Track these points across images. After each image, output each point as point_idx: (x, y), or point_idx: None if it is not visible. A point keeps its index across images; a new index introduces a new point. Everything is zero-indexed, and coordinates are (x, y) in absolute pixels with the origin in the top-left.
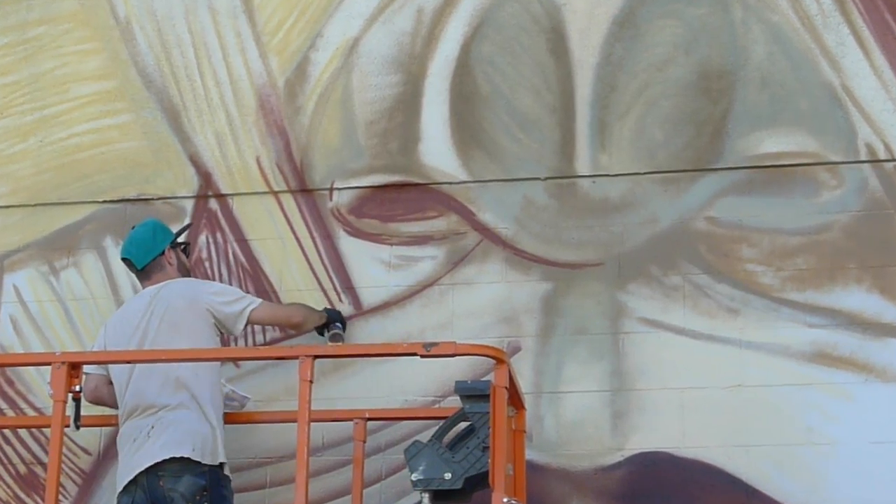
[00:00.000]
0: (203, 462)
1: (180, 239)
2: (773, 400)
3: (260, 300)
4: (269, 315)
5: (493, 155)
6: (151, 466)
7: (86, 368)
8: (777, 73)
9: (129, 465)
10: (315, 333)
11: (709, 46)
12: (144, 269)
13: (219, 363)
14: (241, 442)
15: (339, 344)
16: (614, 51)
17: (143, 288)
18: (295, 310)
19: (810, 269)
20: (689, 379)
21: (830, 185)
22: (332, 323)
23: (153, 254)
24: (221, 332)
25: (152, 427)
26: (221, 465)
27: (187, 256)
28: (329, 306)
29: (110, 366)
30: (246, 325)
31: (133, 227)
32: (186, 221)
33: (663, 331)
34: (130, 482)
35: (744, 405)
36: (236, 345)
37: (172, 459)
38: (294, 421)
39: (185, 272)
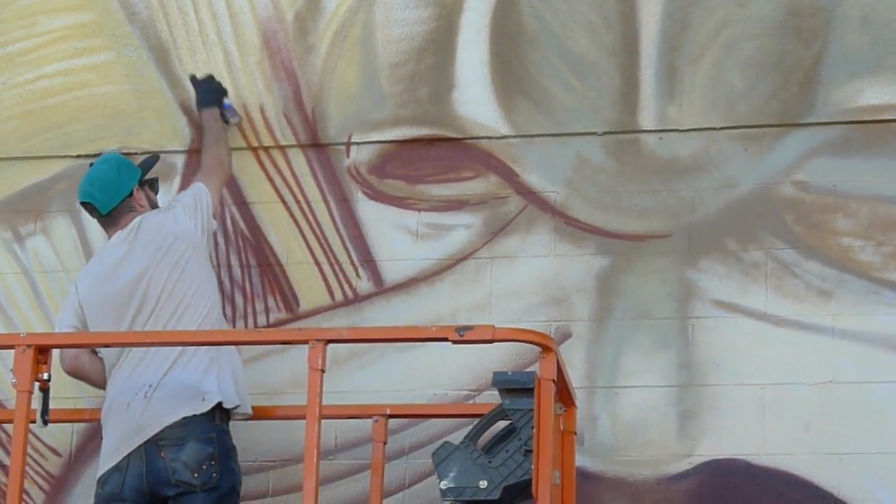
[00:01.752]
0: (227, 408)
1: (149, 175)
2: (872, 400)
3: (202, 185)
4: (218, 184)
5: (541, 105)
6: (150, 437)
7: (69, 329)
8: (882, 10)
9: (124, 436)
10: None
11: None
12: (110, 215)
13: (217, 293)
14: (239, 442)
15: (239, 118)
16: None
17: (109, 235)
18: (220, 156)
19: None
20: (772, 373)
21: None
22: (221, 107)
23: (120, 196)
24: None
25: (150, 386)
26: (227, 430)
27: (156, 193)
28: (195, 76)
29: (95, 318)
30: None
31: (91, 164)
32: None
33: (741, 316)
34: (122, 458)
35: (836, 405)
36: (235, 325)
37: (175, 424)
38: (302, 417)
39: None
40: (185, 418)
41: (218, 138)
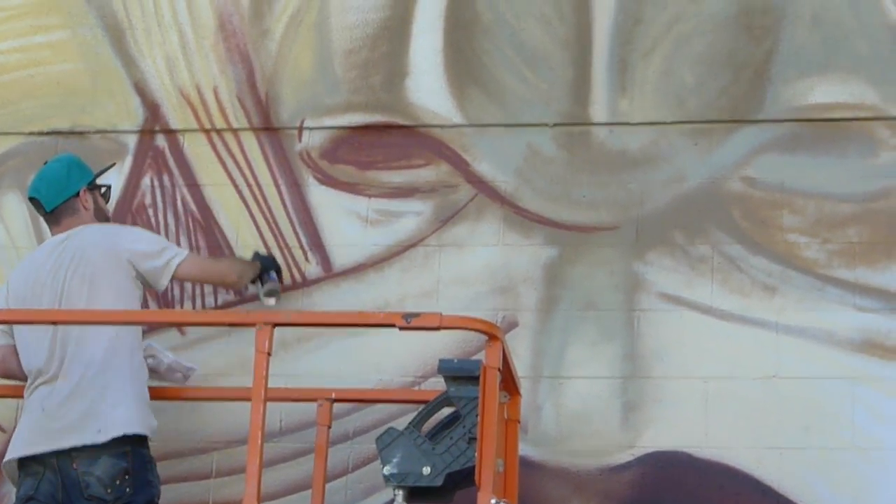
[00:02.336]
0: (127, 433)
1: (100, 180)
2: (814, 395)
3: (187, 252)
4: (198, 271)
5: (494, 95)
6: (67, 449)
7: None
8: (832, 10)
9: (34, 439)
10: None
11: None
12: (53, 213)
13: (135, 343)
14: (184, 423)
15: (275, 299)
16: None
17: (52, 234)
18: (228, 266)
19: (863, 243)
20: (716, 367)
21: (891, 143)
22: (265, 272)
23: (65, 194)
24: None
25: (66, 397)
26: (144, 440)
27: (107, 201)
28: (262, 252)
29: (15, 328)
30: (171, 281)
31: (45, 163)
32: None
33: (687, 309)
34: (36, 462)
35: (779, 400)
36: (182, 306)
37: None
38: (247, 399)
39: (103, 219)
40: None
41: (232, 264)
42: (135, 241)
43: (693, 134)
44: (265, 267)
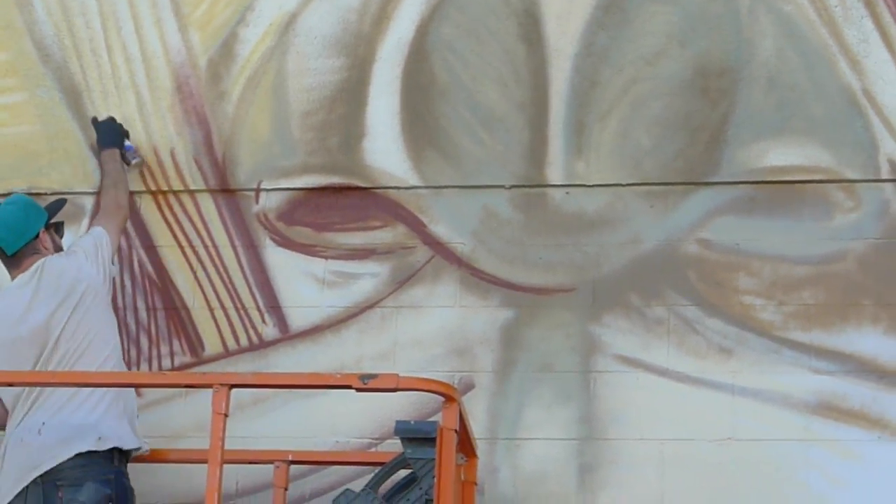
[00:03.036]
0: (118, 447)
1: (55, 218)
2: (770, 457)
3: (100, 228)
4: (116, 228)
5: (451, 157)
6: (48, 472)
7: None
8: (787, 73)
9: (21, 473)
10: None
11: (708, 38)
12: (15, 256)
13: (117, 339)
14: (141, 484)
15: (140, 160)
16: (597, 39)
17: (13, 277)
18: (122, 196)
19: (818, 305)
20: (672, 429)
21: (846, 206)
22: (122, 148)
23: (26, 238)
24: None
25: (43, 424)
26: (125, 471)
27: (61, 236)
28: (99, 117)
29: None
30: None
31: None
32: (62, 198)
33: (643, 371)
34: (18, 493)
35: (735, 462)
36: (139, 368)
37: (73, 464)
38: (204, 461)
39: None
40: (83, 458)
41: (117, 181)
42: (88, 256)
43: (649, 196)
44: (119, 142)
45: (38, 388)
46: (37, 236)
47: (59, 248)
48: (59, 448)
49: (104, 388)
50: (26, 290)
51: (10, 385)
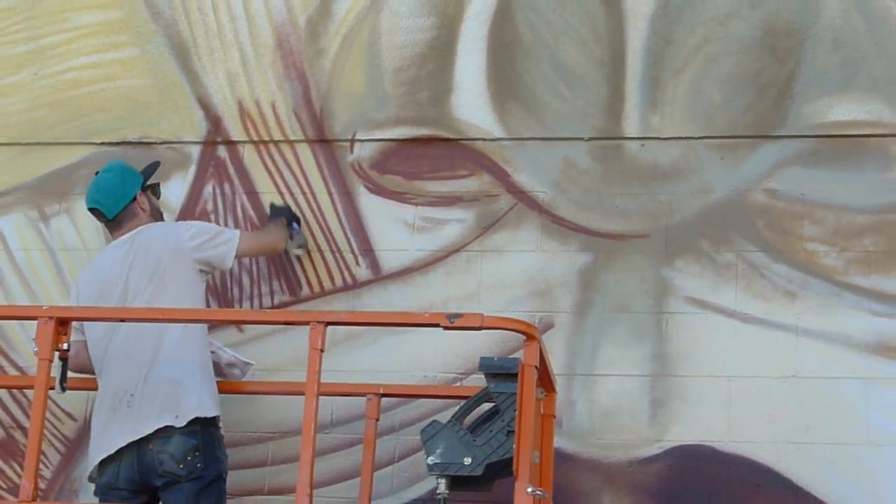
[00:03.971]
0: (199, 416)
1: (151, 180)
2: (831, 394)
3: (238, 232)
4: (253, 246)
5: (533, 111)
6: (145, 436)
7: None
8: (851, 33)
9: (110, 438)
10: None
11: (776, 0)
12: (115, 219)
13: (200, 340)
14: (242, 414)
15: (304, 250)
16: (671, 1)
17: (114, 238)
18: (275, 234)
19: (879, 252)
20: (739, 367)
21: None
22: (291, 228)
23: (124, 201)
24: (207, 273)
25: (132, 395)
26: (214, 420)
27: (158, 197)
28: (278, 203)
29: (87, 326)
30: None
31: (97, 173)
32: (156, 161)
33: (712, 312)
34: (110, 455)
35: (798, 398)
36: (241, 305)
37: (165, 426)
38: (301, 393)
39: (159, 216)
40: (166, 425)
41: (277, 232)
42: (193, 235)
43: (720, 149)
44: (289, 222)
45: (133, 359)
46: (134, 199)
47: (156, 209)
48: (146, 420)
49: (194, 368)
50: (118, 252)
51: (100, 320)
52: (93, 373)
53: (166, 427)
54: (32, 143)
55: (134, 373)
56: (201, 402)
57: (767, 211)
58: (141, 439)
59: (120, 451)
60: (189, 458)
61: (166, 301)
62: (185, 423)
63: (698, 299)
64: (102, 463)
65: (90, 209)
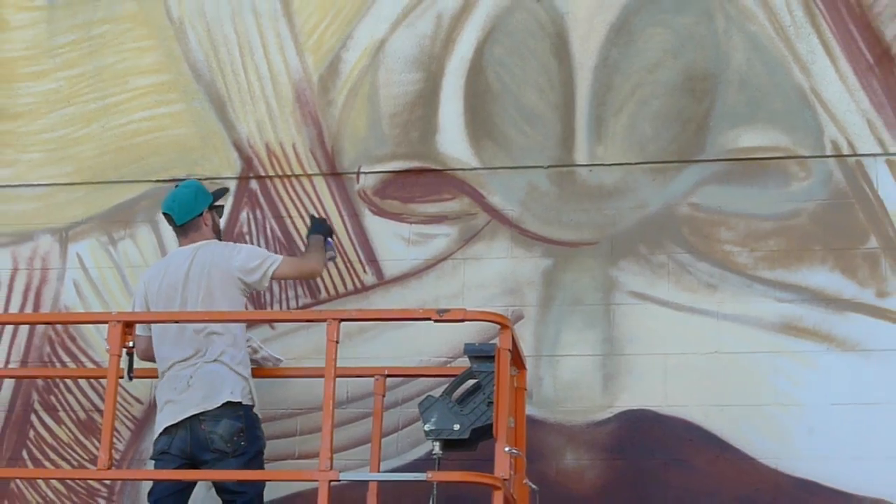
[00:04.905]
0: (242, 402)
1: (218, 202)
2: (746, 365)
3: (280, 258)
4: (292, 271)
5: (502, 145)
6: (197, 414)
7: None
8: (754, 77)
9: (171, 411)
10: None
11: (694, 52)
12: (182, 227)
13: (240, 341)
14: (275, 395)
15: (333, 260)
16: (610, 55)
17: (180, 243)
18: (314, 261)
19: (781, 251)
20: (672, 346)
21: (799, 176)
22: (325, 242)
23: (192, 214)
24: (248, 291)
25: (191, 377)
26: (252, 405)
27: (220, 216)
28: (316, 216)
29: (154, 325)
30: (271, 281)
31: (177, 185)
32: (226, 187)
33: (650, 303)
34: (171, 426)
35: (720, 370)
36: (272, 308)
37: (217, 407)
38: (321, 376)
39: (217, 233)
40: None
41: (316, 254)
42: (243, 261)
43: (652, 172)
44: (324, 236)
45: (196, 351)
46: (201, 214)
47: (216, 226)
48: (201, 401)
49: (238, 362)
50: (181, 258)
51: (159, 322)
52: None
53: (215, 408)
54: (102, 182)
55: (196, 364)
56: (242, 390)
57: (691, 220)
58: (194, 419)
59: (176, 425)
60: (235, 437)
61: (215, 295)
62: (229, 406)
63: (638, 292)
64: (160, 434)
65: (164, 213)
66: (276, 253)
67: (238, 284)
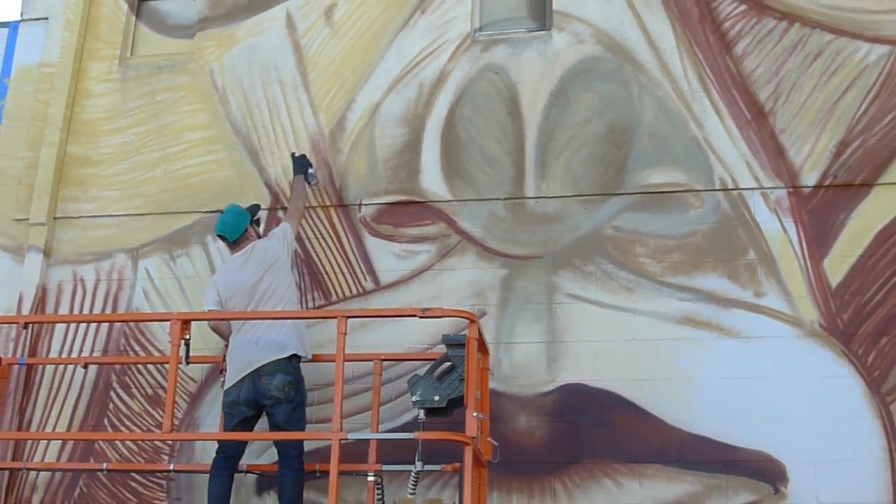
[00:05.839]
0: (299, 355)
1: (255, 217)
2: (657, 350)
3: (288, 225)
4: (297, 223)
5: (469, 183)
6: (255, 369)
7: (213, 307)
8: (660, 130)
9: (241, 366)
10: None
11: (615, 111)
12: (234, 241)
13: (293, 288)
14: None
15: (316, 183)
16: (551, 114)
17: (232, 253)
18: (301, 205)
19: (681, 262)
20: (600, 335)
21: (695, 205)
22: (307, 174)
23: (240, 231)
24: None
25: (256, 341)
26: (299, 364)
27: (259, 225)
28: (296, 153)
29: (229, 301)
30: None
31: (223, 211)
32: (258, 204)
33: (582, 302)
34: (239, 380)
35: (637, 353)
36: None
37: (269, 363)
38: (333, 360)
39: (260, 236)
40: (275, 360)
41: (300, 195)
42: (278, 241)
43: (584, 202)
44: (304, 170)
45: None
46: (246, 229)
47: (257, 233)
48: (265, 355)
49: (292, 324)
50: (241, 260)
51: (230, 319)
52: (223, 334)
53: (275, 362)
54: (163, 212)
55: (258, 329)
56: (294, 346)
57: (613, 239)
58: (256, 375)
59: (242, 380)
60: (286, 388)
61: (280, 281)
62: (284, 359)
63: (574, 294)
64: (230, 387)
65: (218, 234)
66: (301, 273)
67: (286, 257)
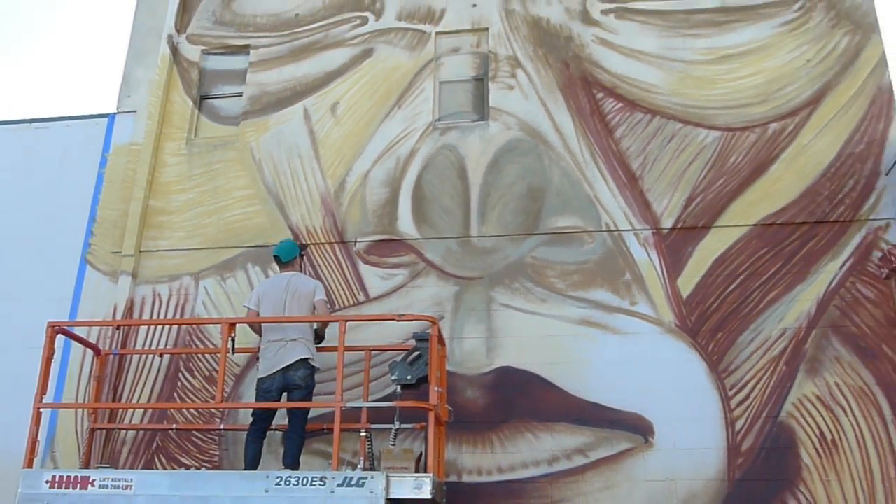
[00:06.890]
0: (312, 361)
1: (303, 252)
2: (563, 342)
3: (323, 299)
4: (322, 308)
5: (432, 226)
6: (287, 365)
7: (249, 304)
8: (564, 189)
9: (273, 363)
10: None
11: (533, 177)
12: (286, 263)
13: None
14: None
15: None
16: (488, 178)
17: (281, 271)
18: (324, 329)
19: (579, 282)
20: (524, 332)
21: (588, 242)
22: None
23: (291, 256)
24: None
25: (283, 346)
26: (315, 368)
27: (303, 259)
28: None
29: (263, 310)
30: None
31: (281, 241)
32: (306, 244)
33: (512, 310)
34: (272, 373)
35: (551, 344)
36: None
37: (298, 361)
38: (335, 351)
39: (301, 268)
40: (300, 360)
41: (324, 328)
42: (316, 291)
43: (510, 240)
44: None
45: (287, 332)
46: (295, 257)
47: (301, 266)
48: (290, 357)
49: (310, 339)
50: (283, 280)
51: (265, 322)
52: (259, 334)
53: (300, 360)
54: (216, 247)
55: (288, 333)
56: (312, 353)
57: (532, 265)
58: (286, 369)
59: (274, 374)
60: (306, 378)
61: (300, 309)
62: (305, 359)
63: (506, 304)
64: (264, 378)
65: (274, 255)
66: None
67: (310, 305)
